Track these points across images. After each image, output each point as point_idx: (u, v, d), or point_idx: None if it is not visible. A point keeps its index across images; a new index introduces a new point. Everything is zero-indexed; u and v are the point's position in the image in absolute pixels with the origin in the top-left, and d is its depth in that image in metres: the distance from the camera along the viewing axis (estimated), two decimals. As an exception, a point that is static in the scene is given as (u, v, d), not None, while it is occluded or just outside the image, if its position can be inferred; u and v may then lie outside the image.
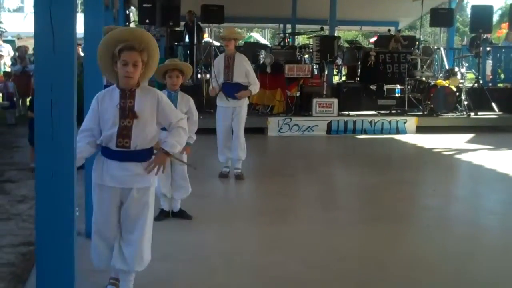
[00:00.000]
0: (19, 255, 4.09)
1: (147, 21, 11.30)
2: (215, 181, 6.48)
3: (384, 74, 11.29)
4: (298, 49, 12.19)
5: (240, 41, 10.78)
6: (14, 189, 5.96)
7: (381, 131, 10.34)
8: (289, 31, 18.04)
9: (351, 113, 10.65)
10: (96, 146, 3.12)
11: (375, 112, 10.93)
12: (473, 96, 11.30)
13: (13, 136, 9.24)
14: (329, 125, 10.23)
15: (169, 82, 4.58)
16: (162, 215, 4.85)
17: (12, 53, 14.74)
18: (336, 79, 14.31)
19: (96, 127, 3.09)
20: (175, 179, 4.81)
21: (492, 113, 11.37)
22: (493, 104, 11.45)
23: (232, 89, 6.35)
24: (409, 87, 11.25)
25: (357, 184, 6.72)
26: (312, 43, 11.93)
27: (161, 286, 3.58)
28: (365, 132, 10.30)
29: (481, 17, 12.48)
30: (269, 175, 7.08)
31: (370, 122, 10.37)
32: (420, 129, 10.41)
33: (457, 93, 10.89)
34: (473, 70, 12.85)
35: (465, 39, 23.29)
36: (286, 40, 15.70)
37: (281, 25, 20.91)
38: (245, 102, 6.52)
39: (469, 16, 15.96)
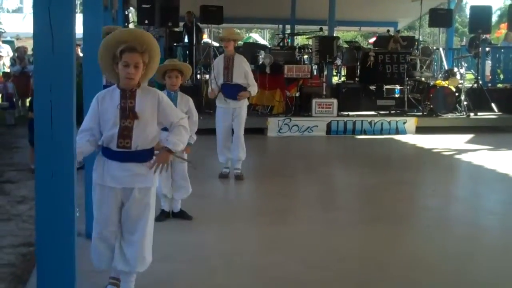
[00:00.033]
0: (20, 255, 4.09)
1: (146, 21, 11.28)
2: (215, 182, 6.48)
3: (384, 74, 11.30)
4: (297, 50, 12.21)
5: (239, 42, 10.79)
6: (14, 190, 5.96)
7: (381, 132, 10.34)
8: (288, 31, 18.05)
9: (350, 113, 10.66)
10: (96, 145, 3.11)
11: (375, 113, 10.93)
12: (472, 97, 11.31)
13: (13, 137, 9.23)
14: (328, 125, 10.23)
15: (169, 83, 4.59)
16: (162, 216, 4.85)
17: (11, 54, 14.75)
18: (335, 80, 14.33)
19: (96, 126, 3.08)
20: (176, 179, 4.82)
21: (492, 114, 11.38)
22: (493, 105, 11.45)
23: (232, 90, 6.35)
24: (408, 87, 11.26)
25: (356, 184, 6.72)
26: (311, 43, 11.93)
27: (161, 286, 3.58)
28: (365, 133, 10.30)
29: (480, 17, 12.49)
30: (268, 175, 7.08)
31: (370, 123, 10.37)
32: (419, 130, 10.41)
33: (457, 94, 10.90)
34: (472, 70, 12.86)
35: (464, 40, 23.33)
36: (285, 41, 15.70)
37: (280, 26, 20.92)
38: (245, 102, 6.52)
39: (468, 16, 15.95)
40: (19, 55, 12.30)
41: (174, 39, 13.13)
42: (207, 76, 10.43)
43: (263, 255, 4.19)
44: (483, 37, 13.48)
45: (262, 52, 10.90)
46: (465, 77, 11.46)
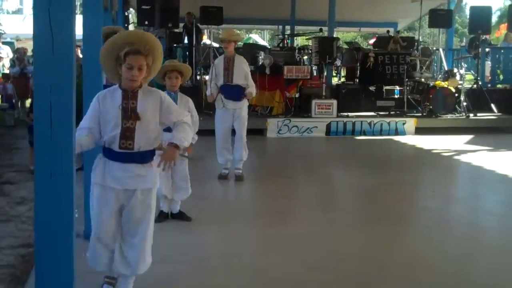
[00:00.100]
0: (19, 256, 4.09)
1: (146, 22, 11.29)
2: (214, 183, 6.48)
3: (383, 75, 11.30)
4: (297, 51, 12.21)
5: (239, 43, 10.78)
6: (13, 191, 5.95)
7: (380, 132, 10.34)
8: (288, 32, 18.06)
9: (350, 114, 10.66)
10: (94, 142, 3.08)
11: (374, 113, 10.93)
12: (472, 97, 11.31)
13: (12, 138, 9.23)
14: (328, 126, 10.23)
15: (169, 83, 4.60)
16: (161, 217, 4.85)
17: (11, 55, 14.77)
18: (335, 80, 14.34)
19: (96, 126, 3.05)
20: (175, 180, 4.82)
21: (491, 114, 11.38)
22: (492, 105, 11.46)
23: (232, 91, 6.35)
24: (408, 88, 11.25)
25: (356, 185, 6.72)
26: (311, 44, 11.93)
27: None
28: (364, 133, 10.30)
29: (480, 18, 12.50)
30: (268, 176, 7.08)
31: (369, 123, 10.37)
32: (419, 130, 10.41)
33: (456, 94, 10.90)
34: (472, 71, 12.87)
35: (464, 40, 23.30)
36: (285, 42, 15.70)
37: (280, 27, 20.94)
38: (244, 103, 6.52)
39: (468, 17, 15.96)
40: (18, 56, 12.30)
41: (174, 40, 13.14)
42: (207, 77, 10.45)
43: (262, 256, 4.19)
44: (483, 38, 13.48)
45: (262, 53, 10.90)
46: (464, 78, 11.46)
